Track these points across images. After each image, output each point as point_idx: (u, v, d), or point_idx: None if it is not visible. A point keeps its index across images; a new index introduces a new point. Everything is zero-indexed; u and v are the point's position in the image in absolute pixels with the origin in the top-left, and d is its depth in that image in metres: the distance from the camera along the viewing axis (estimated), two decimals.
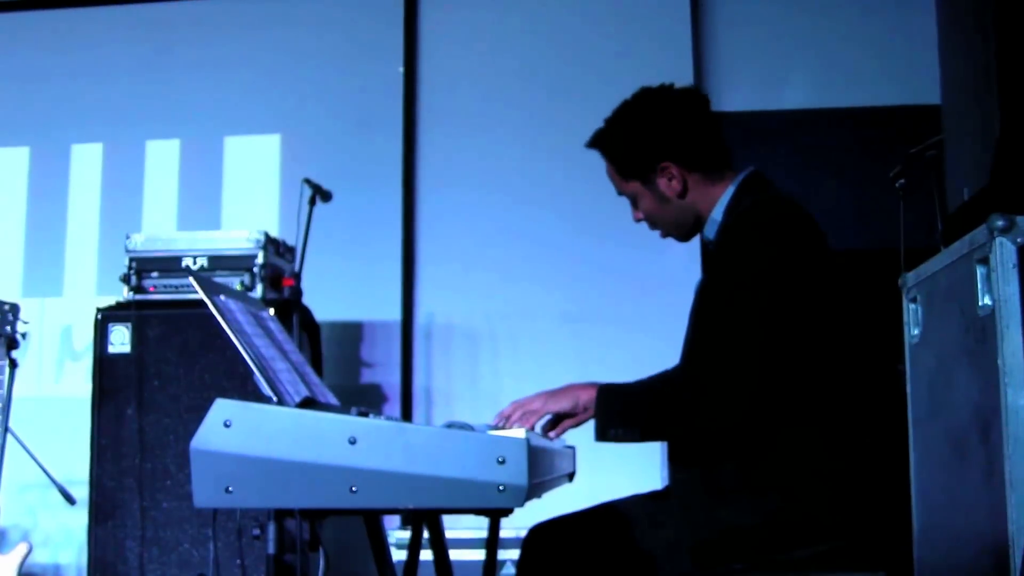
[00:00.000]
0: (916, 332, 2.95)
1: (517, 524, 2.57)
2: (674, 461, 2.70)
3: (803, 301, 2.50)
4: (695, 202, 2.74)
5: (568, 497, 2.86)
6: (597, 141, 2.82)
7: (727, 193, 2.72)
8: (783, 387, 2.46)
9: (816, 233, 2.60)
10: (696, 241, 2.87)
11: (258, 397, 2.07)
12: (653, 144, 2.72)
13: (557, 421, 2.68)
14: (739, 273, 2.52)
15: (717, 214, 2.73)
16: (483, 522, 2.88)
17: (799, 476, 2.50)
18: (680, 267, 5.32)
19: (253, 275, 4.95)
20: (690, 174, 2.72)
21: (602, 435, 2.56)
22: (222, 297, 2.23)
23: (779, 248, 2.53)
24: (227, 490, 1.92)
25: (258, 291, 4.92)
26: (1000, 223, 2.25)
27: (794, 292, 2.49)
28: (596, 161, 2.88)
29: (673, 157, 2.71)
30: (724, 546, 2.48)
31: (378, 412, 2.40)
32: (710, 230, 2.75)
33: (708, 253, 2.81)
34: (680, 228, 2.81)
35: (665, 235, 2.86)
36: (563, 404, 2.64)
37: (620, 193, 2.84)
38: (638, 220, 2.86)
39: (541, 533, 2.70)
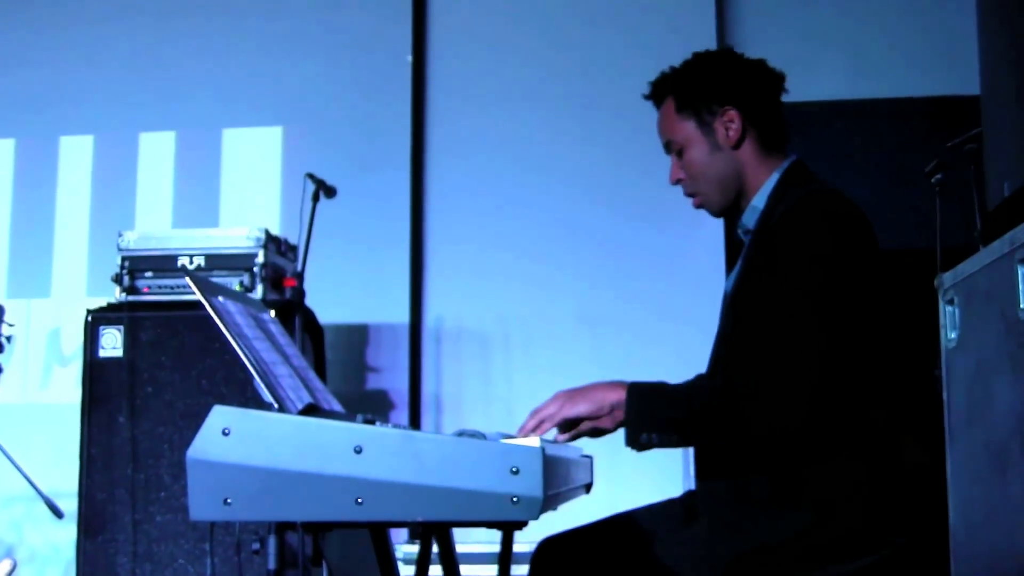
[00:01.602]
0: (953, 336, 2.96)
1: (531, 538, 2.57)
2: (702, 472, 2.69)
3: (859, 304, 2.49)
4: (744, 162, 2.73)
5: (585, 509, 2.86)
6: (662, 79, 2.82)
7: (771, 180, 2.72)
8: (834, 394, 2.45)
9: (869, 231, 2.59)
10: (722, 237, 2.86)
11: (258, 404, 2.08)
12: (724, 82, 2.75)
13: (573, 425, 2.54)
14: (795, 272, 2.49)
15: (759, 201, 2.72)
16: (495, 536, 2.87)
17: (834, 489, 2.49)
18: (709, 262, 5.27)
19: (253, 275, 4.96)
20: (750, 129, 2.73)
21: (632, 440, 2.45)
22: (220, 298, 2.24)
23: (836, 247, 2.51)
24: (225, 502, 1.93)
25: (258, 292, 4.93)
26: None
27: (852, 294, 2.48)
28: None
29: (739, 103, 2.72)
30: (755, 562, 2.47)
31: (385, 420, 2.42)
32: (749, 218, 2.73)
33: (745, 244, 2.78)
34: (722, 189, 2.76)
35: (701, 202, 2.81)
36: (582, 408, 2.50)
37: (667, 143, 2.80)
38: (675, 181, 2.82)
39: (551, 547, 2.70)
